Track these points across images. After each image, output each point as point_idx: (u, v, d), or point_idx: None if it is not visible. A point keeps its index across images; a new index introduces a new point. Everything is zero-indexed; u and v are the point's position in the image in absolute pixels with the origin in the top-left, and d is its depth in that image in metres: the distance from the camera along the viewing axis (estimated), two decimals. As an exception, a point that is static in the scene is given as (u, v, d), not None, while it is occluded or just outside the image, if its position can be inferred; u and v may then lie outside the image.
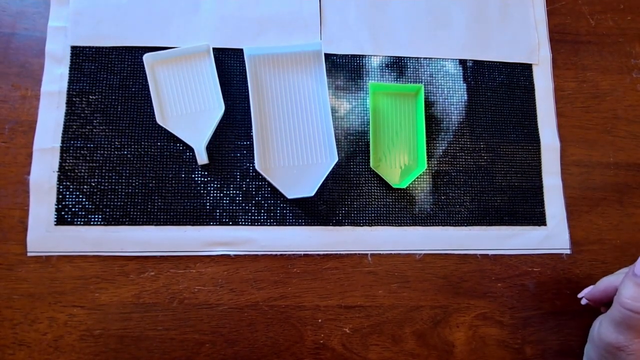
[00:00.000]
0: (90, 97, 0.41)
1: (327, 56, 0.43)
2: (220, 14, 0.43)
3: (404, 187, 0.41)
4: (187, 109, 0.41)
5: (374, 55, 0.44)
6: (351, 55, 0.44)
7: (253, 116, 0.40)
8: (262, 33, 0.43)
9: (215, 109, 0.41)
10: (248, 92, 0.41)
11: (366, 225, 0.41)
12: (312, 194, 0.39)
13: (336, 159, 0.40)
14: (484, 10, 0.46)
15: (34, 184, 0.39)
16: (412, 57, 0.44)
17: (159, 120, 0.40)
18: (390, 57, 0.44)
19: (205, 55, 0.42)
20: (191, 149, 0.41)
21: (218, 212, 0.40)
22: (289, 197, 0.39)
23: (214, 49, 0.42)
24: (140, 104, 0.41)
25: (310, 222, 0.40)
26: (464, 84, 0.44)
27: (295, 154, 0.41)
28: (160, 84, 0.41)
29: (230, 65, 0.42)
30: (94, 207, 0.39)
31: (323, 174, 0.40)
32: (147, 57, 0.41)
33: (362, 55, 0.44)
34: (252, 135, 0.40)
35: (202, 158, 0.40)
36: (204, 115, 0.41)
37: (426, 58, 0.44)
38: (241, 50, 0.42)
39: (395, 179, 0.42)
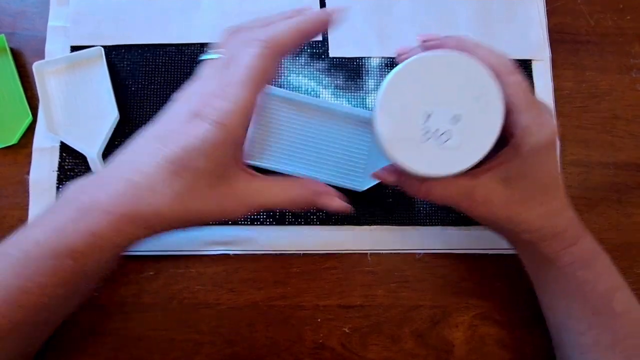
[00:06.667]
0: (90, 96, 0.41)
1: (328, 56, 0.43)
2: (221, 10, 0.43)
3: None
4: (79, 117, 0.40)
5: (380, 57, 0.44)
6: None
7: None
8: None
9: (108, 115, 0.39)
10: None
11: (366, 225, 0.41)
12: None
13: None
14: (489, 9, 0.45)
15: (33, 184, 0.39)
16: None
17: (48, 129, 0.39)
18: (394, 57, 0.44)
19: (98, 60, 0.40)
20: (191, 149, 0.41)
21: (217, 211, 0.40)
22: None
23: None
24: (140, 102, 0.41)
25: (309, 222, 0.40)
26: (464, 84, 0.44)
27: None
28: (51, 92, 0.40)
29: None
30: (93, 206, 0.39)
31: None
32: (36, 66, 0.39)
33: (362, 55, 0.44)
34: (251, 135, 0.40)
35: (96, 167, 0.39)
36: (96, 122, 0.40)
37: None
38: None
39: None
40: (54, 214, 0.27)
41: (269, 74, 0.27)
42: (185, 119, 0.26)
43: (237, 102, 0.26)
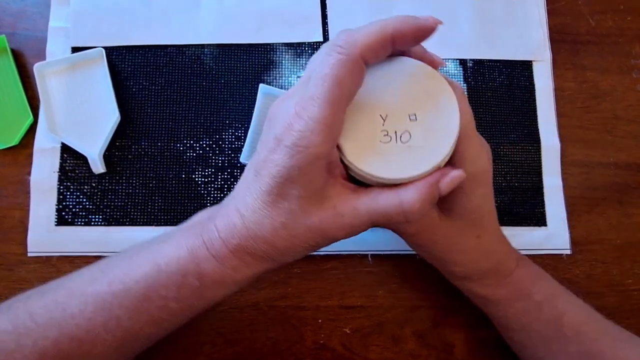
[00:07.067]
0: (91, 97, 0.41)
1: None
2: (221, 9, 0.43)
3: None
4: (80, 118, 0.40)
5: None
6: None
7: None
8: (263, 27, 0.43)
9: (109, 116, 0.40)
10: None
11: (366, 226, 0.41)
12: None
13: None
14: (489, 9, 0.45)
15: (34, 184, 0.39)
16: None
17: (49, 129, 0.39)
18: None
19: (99, 61, 0.40)
20: (192, 149, 0.41)
21: (218, 212, 0.40)
22: None
23: (215, 45, 0.42)
24: (140, 103, 0.41)
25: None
26: (464, 84, 0.44)
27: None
28: (52, 92, 0.40)
29: (232, 61, 0.42)
30: (94, 207, 0.39)
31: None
32: (37, 67, 0.39)
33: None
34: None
35: (97, 167, 0.39)
36: (97, 123, 0.40)
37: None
38: (243, 45, 0.42)
39: None
40: (185, 235, 0.28)
41: (351, 82, 0.24)
42: (272, 146, 0.25)
43: (316, 119, 0.24)
